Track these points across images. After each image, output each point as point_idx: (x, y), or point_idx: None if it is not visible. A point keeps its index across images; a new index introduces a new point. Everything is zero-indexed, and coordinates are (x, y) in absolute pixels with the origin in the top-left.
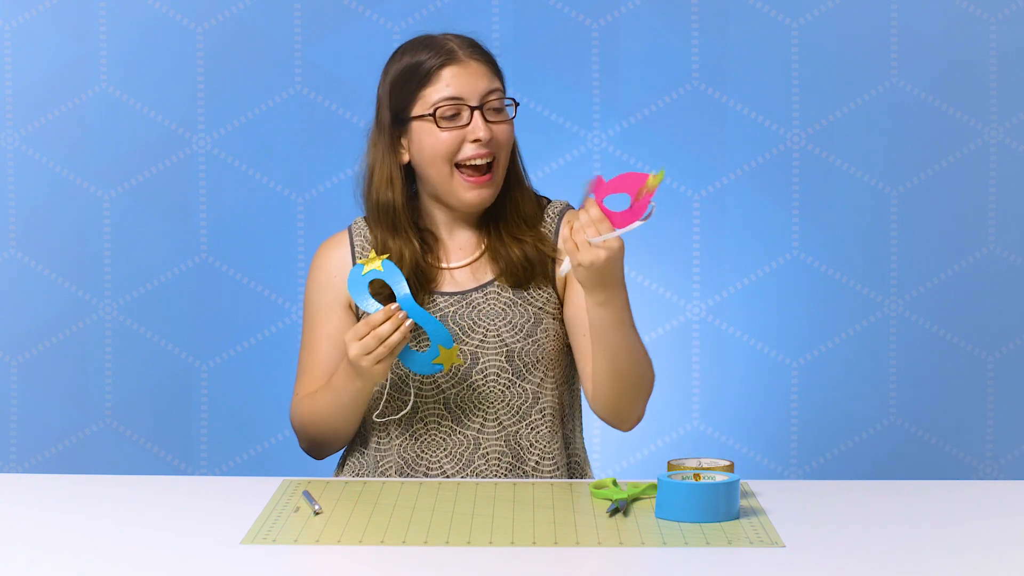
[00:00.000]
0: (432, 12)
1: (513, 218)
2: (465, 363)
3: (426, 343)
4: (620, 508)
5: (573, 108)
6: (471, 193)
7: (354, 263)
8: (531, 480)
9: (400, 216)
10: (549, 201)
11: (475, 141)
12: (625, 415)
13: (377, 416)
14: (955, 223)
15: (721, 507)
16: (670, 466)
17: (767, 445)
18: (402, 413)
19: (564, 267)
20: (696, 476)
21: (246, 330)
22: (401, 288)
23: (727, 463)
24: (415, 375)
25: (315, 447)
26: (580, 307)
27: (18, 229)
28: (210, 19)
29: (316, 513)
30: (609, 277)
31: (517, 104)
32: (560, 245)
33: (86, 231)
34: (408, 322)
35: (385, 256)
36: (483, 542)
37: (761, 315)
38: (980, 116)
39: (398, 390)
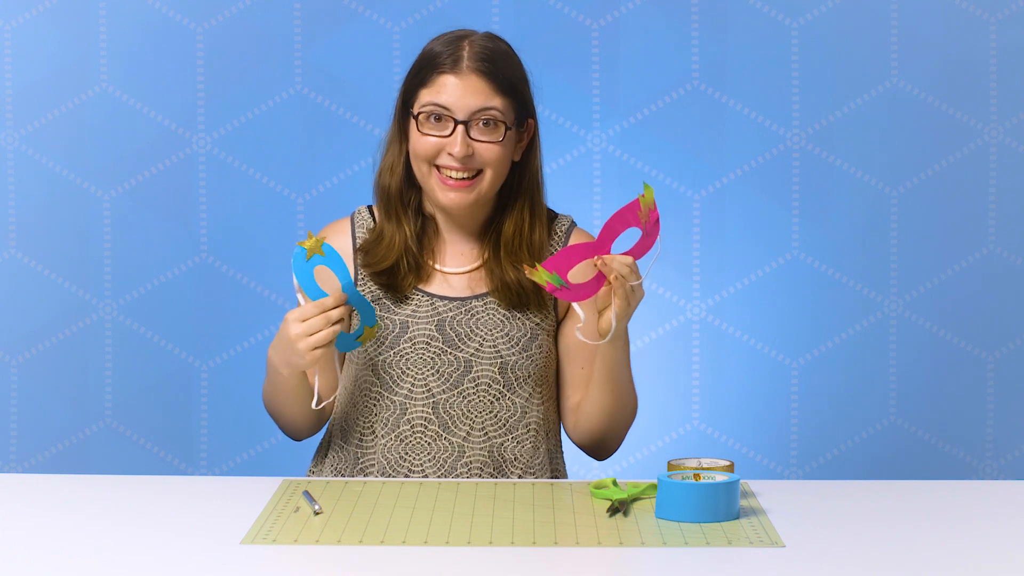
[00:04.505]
0: (432, 12)
1: (515, 240)
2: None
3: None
4: (620, 508)
5: (573, 108)
6: (445, 195)
7: (354, 250)
8: (531, 480)
9: (394, 202)
10: (556, 216)
11: (451, 154)
12: (610, 446)
13: (315, 405)
14: (955, 223)
15: (721, 507)
16: (670, 466)
17: (767, 445)
18: (328, 400)
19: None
20: (696, 476)
21: (246, 330)
22: (345, 275)
23: (727, 463)
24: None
25: (285, 430)
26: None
27: (18, 229)
28: (210, 19)
29: (316, 513)
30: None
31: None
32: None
33: (86, 231)
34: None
35: (323, 239)
36: (483, 542)
37: (761, 315)
38: (980, 116)
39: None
